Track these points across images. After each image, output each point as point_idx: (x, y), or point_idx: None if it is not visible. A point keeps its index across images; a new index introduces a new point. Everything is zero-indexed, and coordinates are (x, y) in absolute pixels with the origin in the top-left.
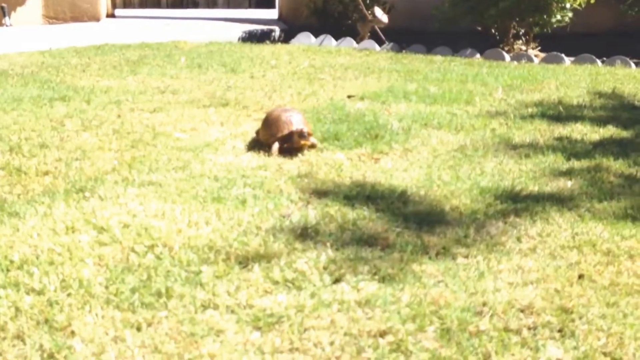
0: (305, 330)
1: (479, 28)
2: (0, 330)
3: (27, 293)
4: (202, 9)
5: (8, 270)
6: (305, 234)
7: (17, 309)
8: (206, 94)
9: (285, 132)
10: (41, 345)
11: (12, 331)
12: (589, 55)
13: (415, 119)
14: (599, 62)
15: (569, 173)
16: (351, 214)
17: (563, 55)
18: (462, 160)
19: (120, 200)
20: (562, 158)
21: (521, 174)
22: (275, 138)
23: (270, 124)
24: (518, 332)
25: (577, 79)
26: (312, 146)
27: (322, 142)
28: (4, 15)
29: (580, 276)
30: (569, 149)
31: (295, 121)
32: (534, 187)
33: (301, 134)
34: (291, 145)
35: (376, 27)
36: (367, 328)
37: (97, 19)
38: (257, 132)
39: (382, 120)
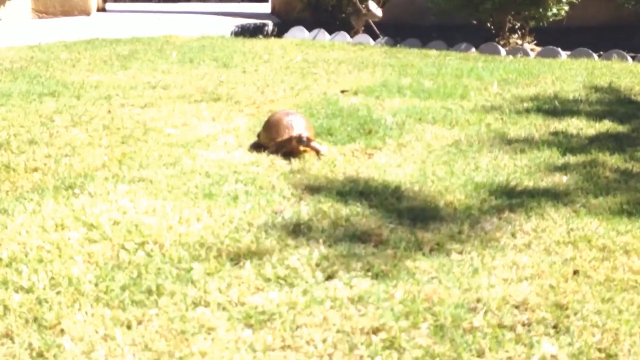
0: (297, 327)
1: (475, 22)
2: None
3: (16, 291)
4: (195, 2)
5: None
6: (297, 231)
7: (6, 307)
8: (198, 89)
9: (285, 136)
10: (30, 344)
11: (1, 330)
12: (585, 49)
13: (409, 114)
14: (595, 56)
15: (564, 168)
16: (344, 210)
17: (559, 49)
18: (457, 156)
19: (110, 197)
20: (557, 153)
21: (516, 169)
22: (274, 142)
23: (270, 127)
24: (512, 328)
25: (573, 73)
26: (317, 152)
27: (315, 137)
28: None
29: (576, 272)
30: (565, 143)
31: (296, 126)
32: (529, 183)
33: (300, 140)
34: (290, 150)
35: (370, 21)
36: (360, 325)
37: (88, 13)
38: (258, 135)
39: (376, 115)
